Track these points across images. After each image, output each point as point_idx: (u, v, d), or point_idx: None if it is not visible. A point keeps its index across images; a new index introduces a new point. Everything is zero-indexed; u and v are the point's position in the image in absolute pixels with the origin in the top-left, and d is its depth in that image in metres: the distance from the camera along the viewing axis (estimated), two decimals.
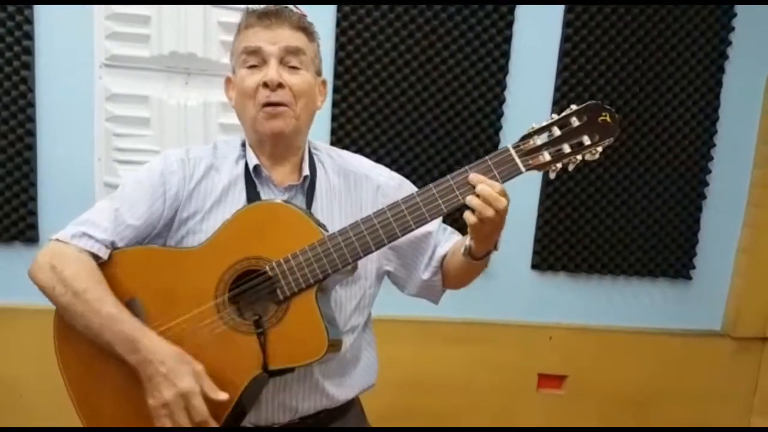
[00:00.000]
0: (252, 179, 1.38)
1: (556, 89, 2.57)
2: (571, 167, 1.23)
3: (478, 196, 1.20)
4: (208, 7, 2.31)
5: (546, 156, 1.21)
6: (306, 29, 1.38)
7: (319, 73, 1.44)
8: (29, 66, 2.29)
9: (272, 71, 1.32)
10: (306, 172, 1.40)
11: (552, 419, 2.78)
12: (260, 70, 1.34)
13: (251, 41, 1.34)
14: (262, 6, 1.37)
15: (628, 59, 2.57)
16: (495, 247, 1.33)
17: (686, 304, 2.81)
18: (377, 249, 1.26)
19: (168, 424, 1.20)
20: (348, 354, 1.44)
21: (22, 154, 2.33)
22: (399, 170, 1.55)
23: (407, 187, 1.49)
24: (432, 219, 1.25)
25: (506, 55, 2.52)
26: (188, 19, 2.30)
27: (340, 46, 2.42)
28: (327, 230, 1.29)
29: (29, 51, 2.28)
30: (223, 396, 1.21)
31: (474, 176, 1.21)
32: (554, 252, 2.67)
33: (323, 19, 2.40)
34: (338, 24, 2.41)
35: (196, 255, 1.30)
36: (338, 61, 2.44)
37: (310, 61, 1.38)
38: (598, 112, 1.20)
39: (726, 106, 2.66)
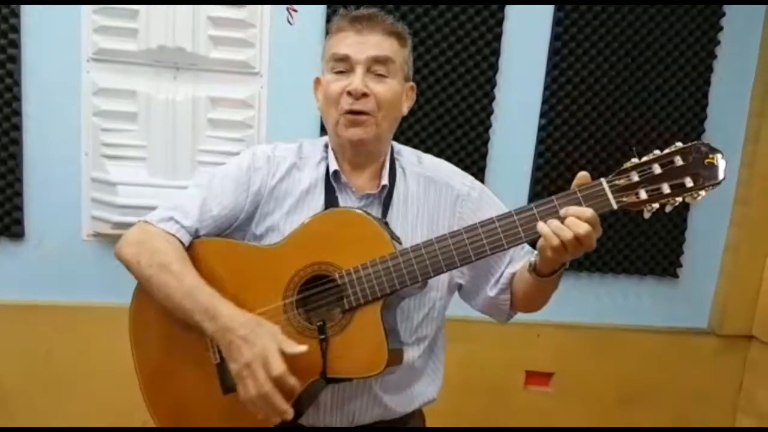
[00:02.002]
0: (331, 183, 1.39)
1: (546, 87, 2.57)
2: (668, 208, 1.16)
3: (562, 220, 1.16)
4: None
5: (642, 194, 1.15)
6: (398, 34, 1.38)
7: (407, 78, 1.43)
8: (15, 59, 2.26)
9: (357, 80, 1.32)
10: (384, 181, 1.40)
11: (540, 416, 2.79)
12: (346, 77, 1.34)
13: (340, 47, 1.35)
14: (356, 10, 1.37)
15: (618, 58, 2.58)
16: (565, 265, 1.28)
17: (673, 302, 2.82)
18: (448, 270, 1.27)
19: (250, 384, 1.20)
20: (412, 366, 1.42)
21: (8, 149, 2.31)
22: None
23: (487, 199, 1.47)
24: (509, 247, 1.23)
25: (496, 53, 2.52)
26: (177, 13, 2.28)
27: None
28: (401, 243, 1.31)
29: (15, 44, 2.26)
30: (301, 348, 1.20)
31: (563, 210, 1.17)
32: None
33: (312, 20, 2.40)
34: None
35: (271, 253, 1.33)
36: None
37: (398, 68, 1.38)
38: (705, 153, 1.13)
39: (714, 106, 2.67)
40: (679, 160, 1.13)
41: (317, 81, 1.45)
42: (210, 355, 1.33)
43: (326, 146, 1.45)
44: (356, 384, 1.35)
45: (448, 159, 2.46)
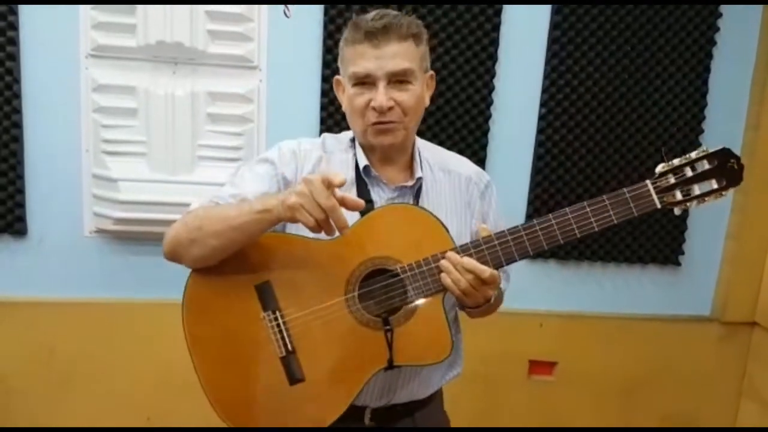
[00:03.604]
0: (362, 178, 1.42)
1: (544, 90, 2.57)
2: (694, 207, 1.29)
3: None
4: None
5: (678, 195, 1.27)
6: (415, 35, 1.37)
7: (426, 69, 1.44)
8: (14, 57, 2.26)
9: (381, 97, 1.33)
10: (419, 173, 1.44)
11: (543, 405, 2.80)
12: (369, 89, 1.35)
13: (359, 66, 1.34)
14: (370, 21, 1.34)
15: (616, 60, 2.57)
16: (490, 301, 1.36)
17: (676, 289, 2.83)
18: (507, 264, 1.32)
19: (304, 215, 1.19)
20: None
21: (9, 146, 2.31)
22: None
23: (492, 193, 1.55)
24: (555, 243, 1.30)
25: (493, 57, 2.51)
26: (174, 8, 2.27)
27: (327, 49, 2.41)
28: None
29: (14, 42, 2.25)
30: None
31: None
32: None
33: (310, 12, 2.40)
34: (325, 27, 2.40)
35: (329, 248, 1.34)
36: (325, 64, 2.42)
37: (418, 68, 1.38)
38: (727, 157, 1.26)
39: (712, 106, 2.67)
40: (705, 164, 1.26)
41: (337, 82, 1.46)
42: (274, 348, 1.35)
43: (352, 140, 1.48)
44: (406, 369, 1.41)
45: None
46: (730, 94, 2.69)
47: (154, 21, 2.28)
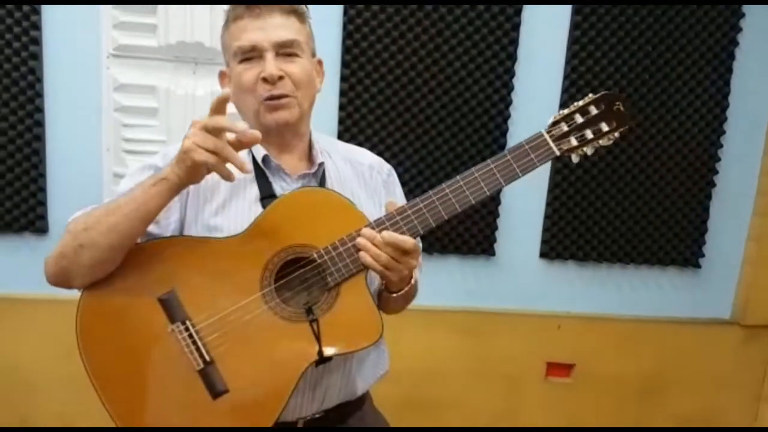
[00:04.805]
0: (262, 171, 1.36)
1: (564, 91, 2.55)
2: (589, 151, 1.33)
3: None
4: None
5: (573, 141, 1.31)
6: (296, 11, 1.35)
7: (314, 53, 1.42)
8: (37, 56, 2.29)
9: (270, 66, 1.29)
10: (320, 159, 1.39)
11: (560, 407, 2.79)
12: (257, 63, 1.31)
13: (242, 39, 1.31)
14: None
15: (636, 60, 2.55)
16: (411, 281, 1.35)
17: (695, 292, 2.80)
18: (424, 233, 1.29)
19: (202, 154, 1.13)
20: None
21: (31, 145, 2.33)
22: (406, 171, 1.55)
23: (394, 180, 1.54)
24: (467, 204, 1.29)
25: (512, 57, 2.50)
26: (195, 8, 2.29)
27: (346, 49, 2.41)
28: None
29: (37, 41, 2.28)
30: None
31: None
32: (563, 241, 2.66)
33: (330, 21, 2.40)
34: (344, 27, 2.40)
35: (235, 246, 1.26)
36: (344, 64, 2.42)
37: (305, 45, 1.35)
38: (613, 100, 1.31)
39: (734, 107, 2.65)
40: (593, 109, 1.31)
41: (223, 75, 1.43)
42: (189, 360, 1.22)
43: None
44: (335, 363, 1.32)
45: (463, 163, 2.53)
46: (752, 94, 2.66)
47: (174, 21, 2.29)
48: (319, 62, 1.45)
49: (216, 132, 1.14)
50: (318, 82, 1.43)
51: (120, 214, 1.19)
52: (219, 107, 1.15)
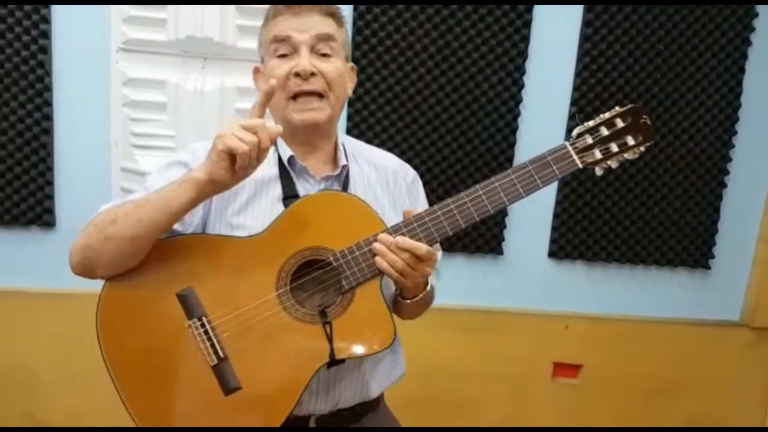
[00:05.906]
0: (287, 171, 1.36)
1: (575, 89, 2.54)
2: (614, 164, 1.32)
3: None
4: None
5: (597, 154, 1.30)
6: (335, 15, 1.36)
7: (348, 58, 1.42)
8: (46, 50, 2.28)
9: (304, 60, 1.30)
10: (344, 161, 1.39)
11: (567, 408, 2.77)
12: (291, 59, 1.32)
13: (280, 30, 1.32)
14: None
15: (648, 59, 2.53)
16: (427, 288, 1.36)
17: (705, 293, 2.78)
18: (440, 240, 1.29)
19: (236, 142, 1.13)
20: None
21: (39, 139, 2.33)
22: (415, 168, 1.56)
23: (418, 186, 1.54)
24: (485, 214, 1.29)
25: (523, 54, 2.48)
26: (205, 3, 2.28)
27: (356, 46, 2.40)
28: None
29: (46, 35, 2.27)
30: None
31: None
32: (572, 240, 2.65)
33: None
34: (354, 23, 2.39)
35: (254, 245, 1.28)
36: (354, 61, 2.40)
37: (340, 47, 1.36)
38: (639, 114, 1.30)
39: (747, 106, 2.62)
40: (620, 122, 1.30)
41: (256, 70, 1.43)
42: (204, 357, 1.25)
43: None
44: (348, 364, 1.33)
45: (473, 161, 2.51)
46: (764, 95, 2.64)
47: (184, 16, 2.29)
48: (353, 68, 1.45)
49: (251, 129, 1.15)
50: (350, 87, 1.43)
51: (149, 209, 1.21)
52: (260, 110, 1.20)
